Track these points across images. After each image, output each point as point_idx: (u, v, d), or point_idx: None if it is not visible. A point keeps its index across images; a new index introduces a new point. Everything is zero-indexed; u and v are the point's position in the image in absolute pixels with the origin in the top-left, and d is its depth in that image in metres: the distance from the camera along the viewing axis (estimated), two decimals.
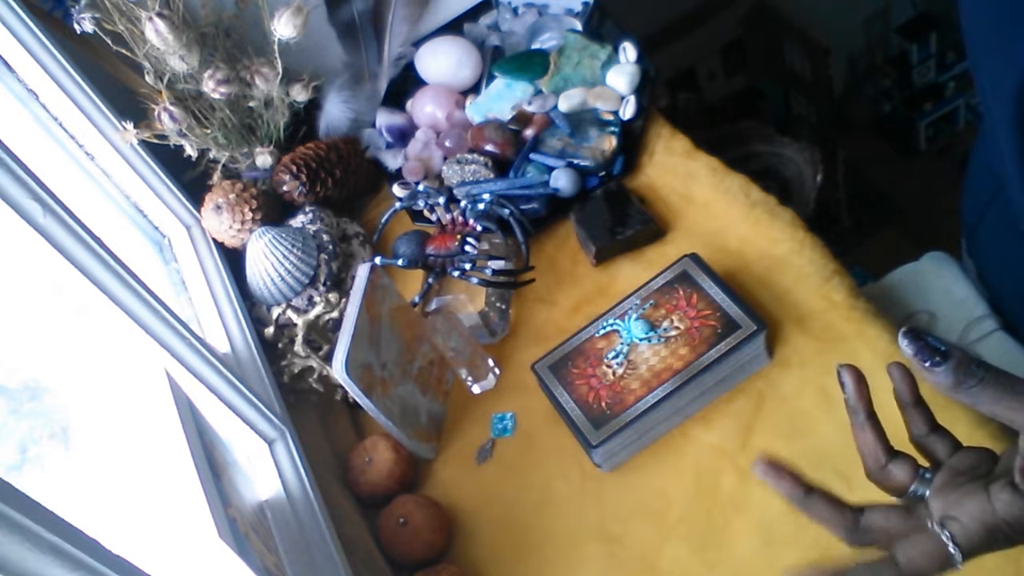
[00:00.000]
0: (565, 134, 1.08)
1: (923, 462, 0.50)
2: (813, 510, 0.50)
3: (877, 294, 0.99)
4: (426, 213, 1.09)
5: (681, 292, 0.87)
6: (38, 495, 0.43)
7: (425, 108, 1.19)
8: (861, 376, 0.52)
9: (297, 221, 1.11)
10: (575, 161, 1.06)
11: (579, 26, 1.19)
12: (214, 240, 1.14)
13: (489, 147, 1.09)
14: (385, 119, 1.21)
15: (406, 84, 1.25)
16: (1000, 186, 0.80)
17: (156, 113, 1.07)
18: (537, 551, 0.83)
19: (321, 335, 1.03)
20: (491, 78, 1.19)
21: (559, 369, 0.88)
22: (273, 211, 1.14)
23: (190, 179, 1.18)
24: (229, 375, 0.83)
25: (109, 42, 1.01)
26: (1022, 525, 0.45)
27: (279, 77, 1.10)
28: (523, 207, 1.05)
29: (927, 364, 0.44)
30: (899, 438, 0.53)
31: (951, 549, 0.45)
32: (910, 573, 0.47)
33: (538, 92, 1.14)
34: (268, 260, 1.03)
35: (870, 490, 0.76)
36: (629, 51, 1.13)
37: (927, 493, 0.48)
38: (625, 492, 0.84)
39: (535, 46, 1.22)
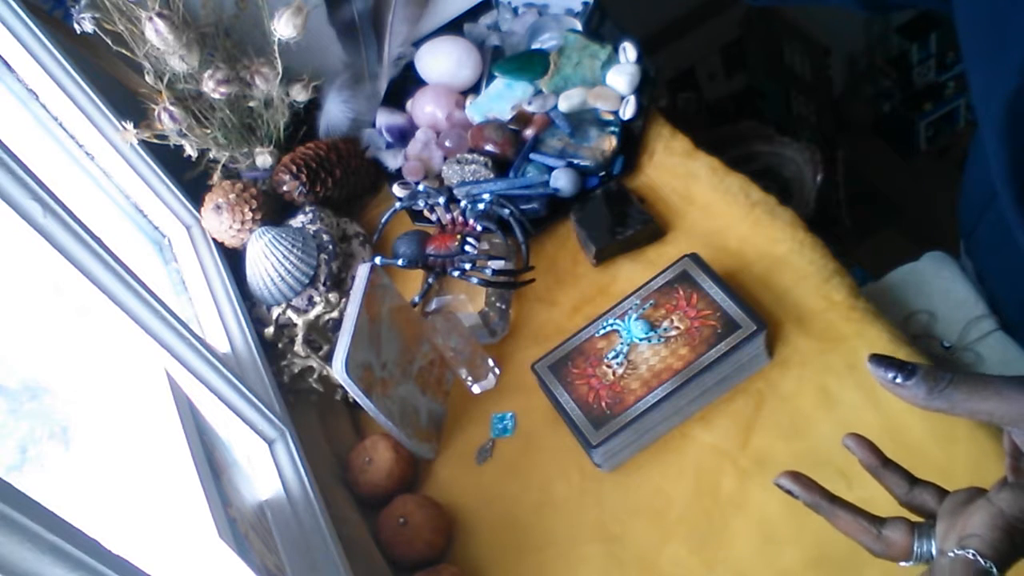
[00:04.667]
0: (565, 134, 1.08)
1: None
2: (837, 516, 0.51)
3: (877, 294, 0.99)
4: (426, 213, 1.09)
5: (681, 292, 0.87)
6: (38, 495, 0.43)
7: (425, 108, 1.19)
8: (809, 482, 0.52)
9: (297, 221, 1.11)
10: (575, 161, 1.06)
11: (579, 26, 1.19)
12: (214, 240, 1.14)
13: (489, 147, 1.09)
14: (385, 119, 1.21)
15: (406, 84, 1.25)
16: (995, 191, 0.80)
17: (156, 113, 1.07)
18: (537, 551, 0.83)
19: (321, 335, 1.03)
20: (491, 78, 1.19)
21: (559, 369, 0.88)
22: (273, 211, 1.14)
23: (190, 179, 1.18)
24: (229, 375, 0.83)
25: (109, 42, 1.01)
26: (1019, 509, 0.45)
27: (279, 77, 1.10)
28: (523, 207, 1.05)
29: (898, 380, 0.46)
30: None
31: (982, 563, 0.45)
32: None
33: (538, 92, 1.14)
34: (268, 260, 1.03)
35: (869, 489, 0.76)
36: (629, 51, 1.13)
37: (933, 543, 0.48)
38: (625, 492, 0.84)
39: (535, 46, 1.22)
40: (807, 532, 0.75)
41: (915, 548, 0.49)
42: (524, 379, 0.93)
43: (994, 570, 0.45)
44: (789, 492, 0.52)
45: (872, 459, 0.52)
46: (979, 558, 0.45)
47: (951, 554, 0.46)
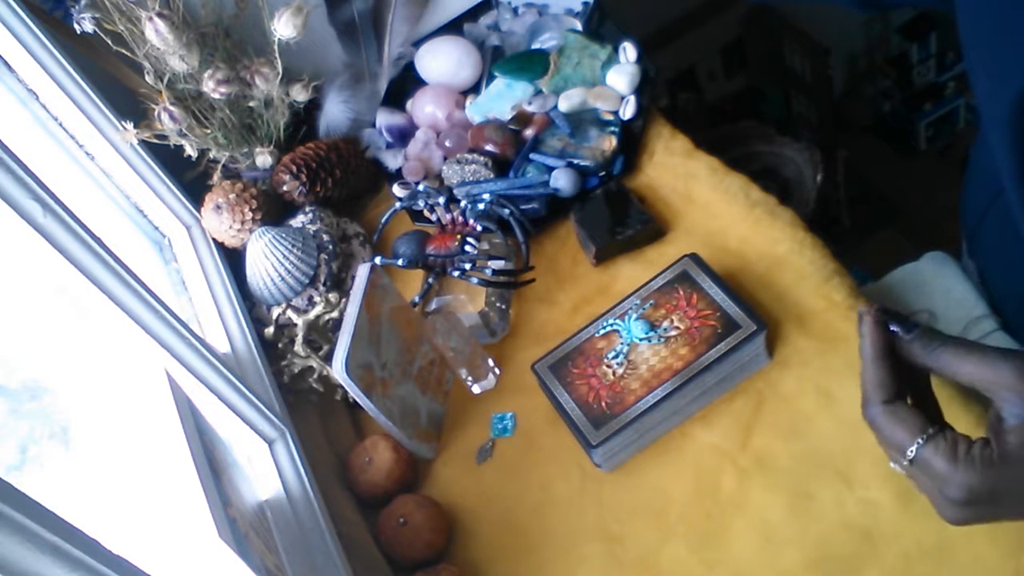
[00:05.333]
0: (565, 134, 1.08)
1: None
2: (868, 365, 0.52)
3: (877, 294, 0.99)
4: (426, 213, 1.09)
5: (681, 292, 0.87)
6: (38, 495, 0.43)
7: (425, 108, 1.19)
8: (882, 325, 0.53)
9: (297, 221, 1.11)
10: (575, 161, 1.06)
11: (579, 26, 1.19)
12: (214, 240, 1.14)
13: (489, 147, 1.09)
14: (385, 119, 1.21)
15: (406, 84, 1.25)
16: (999, 189, 0.80)
17: (156, 113, 1.07)
18: (537, 551, 0.83)
19: (321, 335, 1.03)
20: (491, 78, 1.19)
21: (559, 369, 0.88)
22: (273, 211, 1.14)
23: (190, 179, 1.18)
24: (229, 375, 0.83)
25: (109, 42, 1.01)
26: (987, 467, 0.47)
27: (279, 77, 1.10)
28: (523, 207, 1.05)
29: (899, 332, 0.51)
30: None
31: (919, 439, 0.48)
32: (882, 419, 0.50)
33: (538, 92, 1.14)
34: (268, 260, 1.03)
35: (872, 489, 0.76)
36: (629, 51, 1.13)
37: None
38: (625, 492, 0.84)
39: (535, 46, 1.22)
40: (808, 532, 0.75)
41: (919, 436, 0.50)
42: (524, 379, 0.93)
43: (910, 453, 0.49)
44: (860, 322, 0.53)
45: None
46: (922, 435, 0.49)
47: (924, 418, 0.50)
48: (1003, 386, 0.46)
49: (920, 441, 0.48)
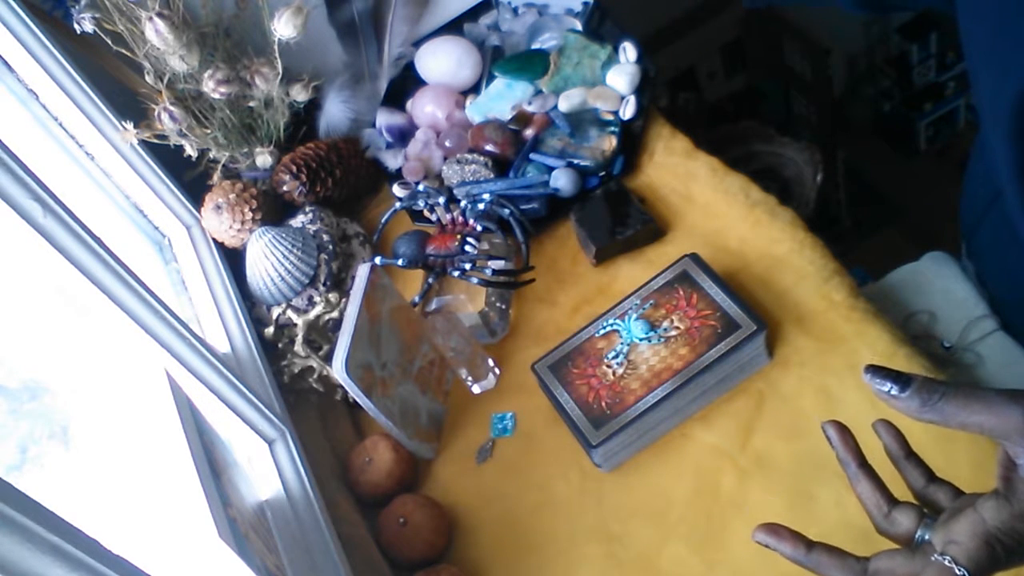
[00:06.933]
0: (565, 134, 1.08)
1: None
2: (820, 564, 0.50)
3: (877, 294, 0.99)
4: (426, 213, 1.09)
5: (681, 292, 0.87)
6: (38, 495, 0.43)
7: (425, 108, 1.19)
8: (845, 428, 0.53)
9: (297, 221, 1.11)
10: (575, 161, 1.06)
11: (579, 26, 1.19)
12: (214, 240, 1.14)
13: (489, 147, 1.09)
14: (385, 119, 1.21)
15: (406, 84, 1.25)
16: (997, 192, 0.80)
17: (156, 113, 1.07)
18: (537, 551, 0.83)
19: (321, 335, 1.03)
20: (491, 78, 1.19)
21: (559, 369, 0.88)
22: (273, 211, 1.14)
23: (190, 179, 1.18)
24: (229, 375, 0.83)
25: (109, 42, 1.01)
26: (1015, 530, 0.45)
27: (279, 77, 1.10)
28: (523, 207, 1.05)
29: (893, 392, 0.47)
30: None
31: (957, 571, 0.45)
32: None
33: (538, 92, 1.14)
34: (268, 260, 1.03)
35: None
36: (629, 51, 1.13)
37: (933, 535, 0.48)
38: (625, 492, 0.84)
39: (535, 46, 1.22)
40: (807, 532, 0.75)
41: (918, 535, 0.49)
42: (524, 379, 0.93)
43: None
44: (767, 546, 0.52)
45: (898, 448, 0.53)
46: (955, 566, 0.45)
47: (933, 558, 0.46)
48: (1014, 431, 0.44)
49: (959, 571, 0.45)
